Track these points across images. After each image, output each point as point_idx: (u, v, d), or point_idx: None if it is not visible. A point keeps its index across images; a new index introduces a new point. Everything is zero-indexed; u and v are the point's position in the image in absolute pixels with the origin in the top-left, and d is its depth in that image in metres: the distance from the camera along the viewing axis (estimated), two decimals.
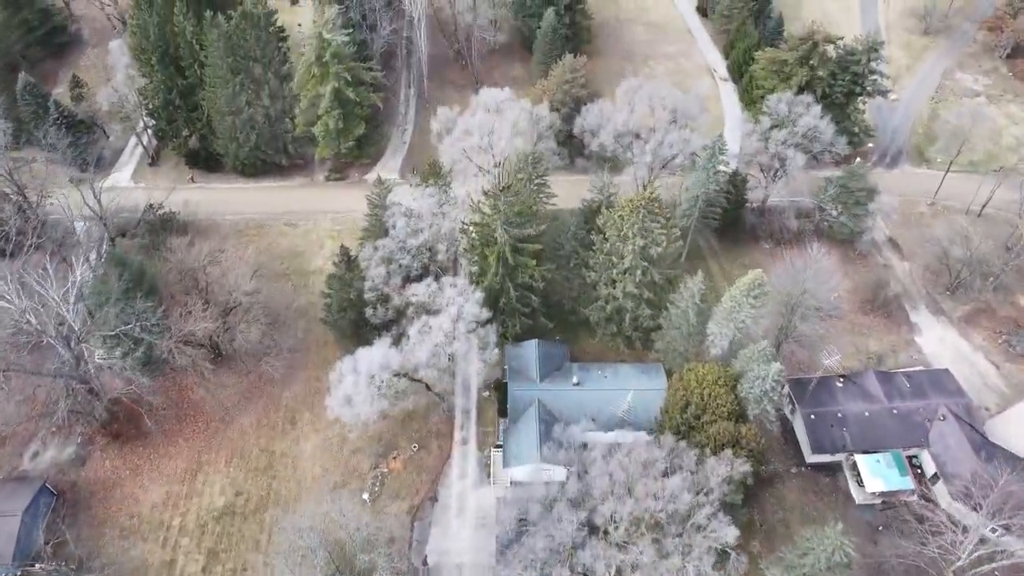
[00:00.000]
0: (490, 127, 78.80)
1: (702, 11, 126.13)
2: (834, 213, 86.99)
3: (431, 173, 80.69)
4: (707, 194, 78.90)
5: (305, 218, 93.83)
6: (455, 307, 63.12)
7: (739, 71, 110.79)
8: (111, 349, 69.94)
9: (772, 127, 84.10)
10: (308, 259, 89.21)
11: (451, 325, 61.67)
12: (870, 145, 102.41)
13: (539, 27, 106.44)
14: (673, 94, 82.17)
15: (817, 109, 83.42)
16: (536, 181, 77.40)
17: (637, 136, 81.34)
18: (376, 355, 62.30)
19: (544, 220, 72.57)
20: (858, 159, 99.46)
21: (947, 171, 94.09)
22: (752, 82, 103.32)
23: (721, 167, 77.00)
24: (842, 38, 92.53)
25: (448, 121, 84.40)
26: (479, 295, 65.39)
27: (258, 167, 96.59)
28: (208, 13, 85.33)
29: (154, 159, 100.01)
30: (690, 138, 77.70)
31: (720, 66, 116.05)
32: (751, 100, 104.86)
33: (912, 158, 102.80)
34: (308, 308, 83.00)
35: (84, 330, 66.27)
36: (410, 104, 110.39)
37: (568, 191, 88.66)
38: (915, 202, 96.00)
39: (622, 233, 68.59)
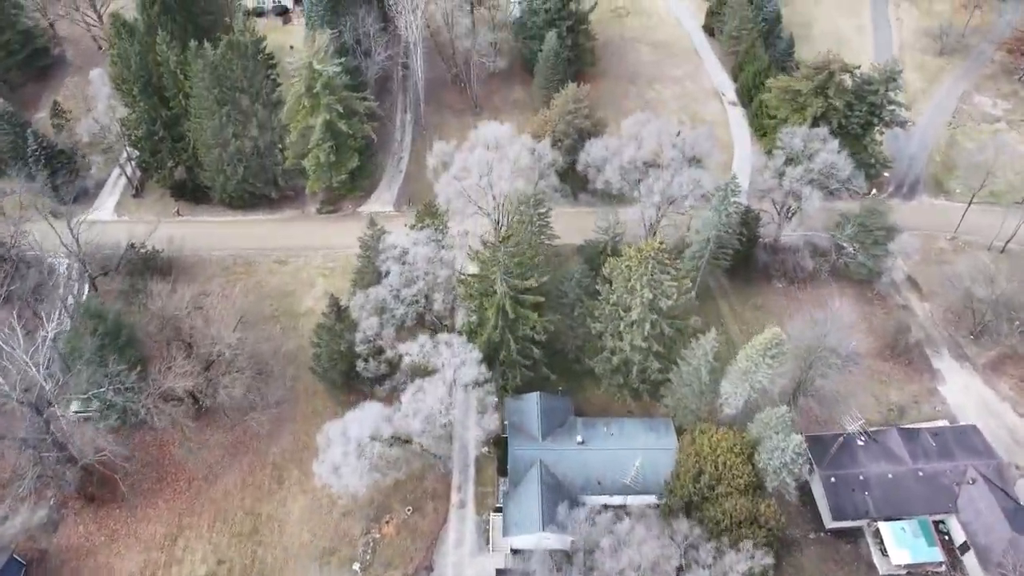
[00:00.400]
0: (489, 165, 74.59)
1: (709, 30, 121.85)
2: (851, 250, 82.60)
3: (427, 213, 76.37)
4: (719, 236, 74.61)
5: (296, 254, 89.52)
6: (451, 370, 58.75)
7: (748, 95, 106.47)
8: (86, 402, 66.03)
9: (786, 162, 79.79)
10: (298, 299, 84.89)
11: (447, 391, 57.31)
12: (885, 174, 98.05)
13: (540, 50, 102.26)
14: (683, 131, 77.76)
15: (834, 144, 79.04)
16: (538, 223, 73.13)
17: (645, 172, 76.99)
18: (366, 421, 58.04)
19: (546, 271, 68.15)
20: (874, 190, 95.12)
21: (969, 204, 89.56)
22: (763, 109, 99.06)
23: (733, 209, 72.57)
24: (859, 67, 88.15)
25: (444, 155, 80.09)
26: (477, 355, 60.96)
27: (247, 199, 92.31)
28: (192, 43, 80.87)
29: (138, 190, 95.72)
30: (701, 178, 73.27)
31: (728, 89, 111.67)
32: (762, 128, 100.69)
33: (930, 188, 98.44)
34: (297, 353, 78.65)
35: (55, 389, 61.92)
36: (406, 130, 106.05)
37: (570, 224, 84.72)
38: (934, 236, 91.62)
39: (629, 285, 64.30)
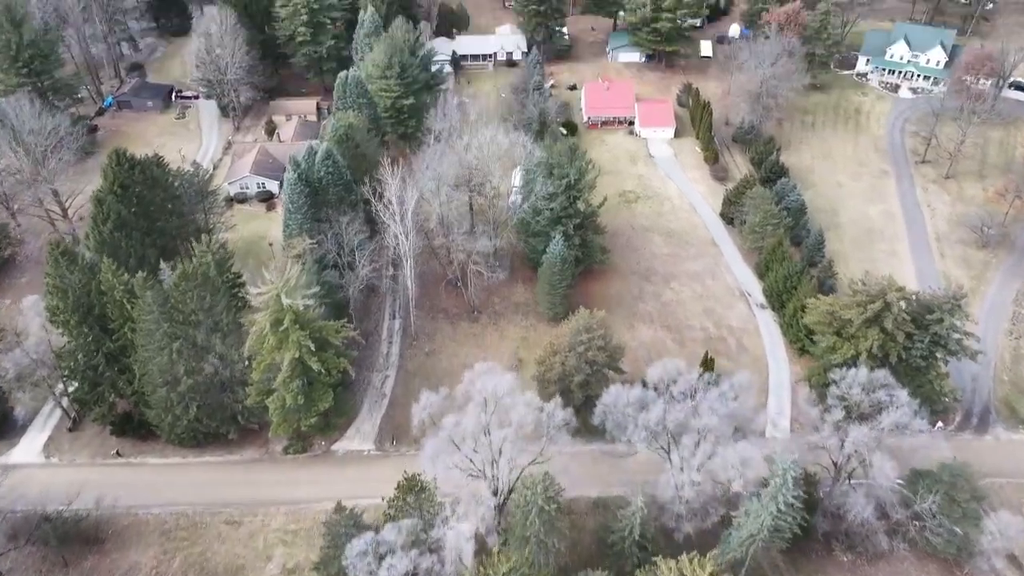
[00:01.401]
0: (486, 429, 60.87)
1: (727, 218, 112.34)
2: (933, 514, 66.82)
3: (409, 488, 61.63)
4: (774, 523, 59.49)
5: (252, 510, 73.85)
6: None
7: (779, 299, 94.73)
8: None
9: (846, 417, 65.97)
10: None
11: None
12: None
13: (544, 250, 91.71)
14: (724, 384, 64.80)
15: (903, 396, 65.49)
16: (547, 511, 58.09)
17: (679, 437, 63.05)
18: None
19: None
20: (939, 423, 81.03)
21: None
22: (799, 322, 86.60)
23: (793, 497, 57.89)
24: (917, 293, 76.44)
25: (431, 406, 66.44)
26: None
27: (199, 439, 77.93)
28: (140, 275, 69.33)
29: (75, 422, 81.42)
30: (751, 456, 59.06)
31: (755, 288, 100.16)
32: (799, 340, 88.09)
33: (1004, 418, 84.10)
34: None
35: None
36: (393, 340, 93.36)
37: (583, 470, 71.09)
38: (1023, 485, 76.41)
39: None
